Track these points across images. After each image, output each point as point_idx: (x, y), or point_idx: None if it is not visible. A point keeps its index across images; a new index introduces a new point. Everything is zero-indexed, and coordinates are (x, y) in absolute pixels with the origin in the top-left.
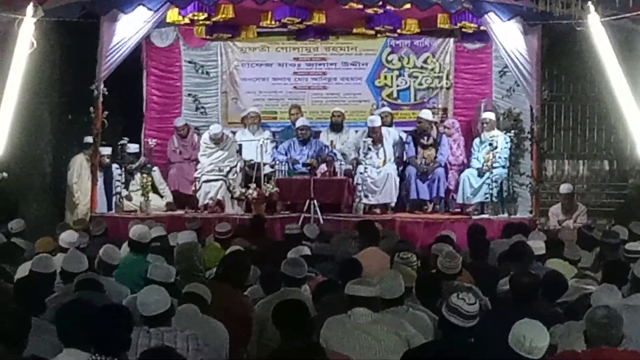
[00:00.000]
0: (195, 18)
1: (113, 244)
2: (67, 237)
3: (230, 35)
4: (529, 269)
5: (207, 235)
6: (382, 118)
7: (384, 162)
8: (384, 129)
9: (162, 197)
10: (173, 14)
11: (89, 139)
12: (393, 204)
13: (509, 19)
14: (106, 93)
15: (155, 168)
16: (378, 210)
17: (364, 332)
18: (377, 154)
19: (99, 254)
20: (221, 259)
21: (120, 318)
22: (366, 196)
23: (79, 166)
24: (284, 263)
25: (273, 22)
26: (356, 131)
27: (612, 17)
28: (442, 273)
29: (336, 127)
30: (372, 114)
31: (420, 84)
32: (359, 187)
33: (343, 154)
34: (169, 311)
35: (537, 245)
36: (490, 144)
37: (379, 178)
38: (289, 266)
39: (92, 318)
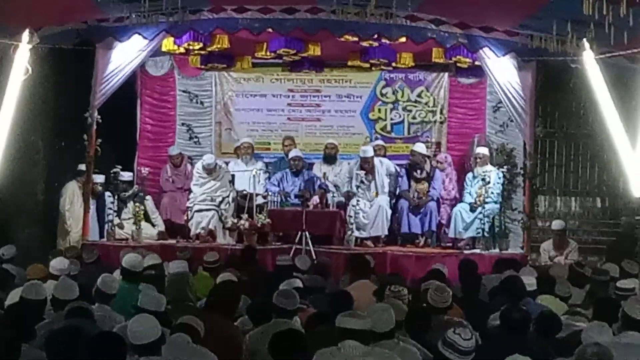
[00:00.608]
0: (191, 47)
1: (105, 272)
2: (58, 264)
3: (225, 66)
4: (520, 303)
5: (198, 265)
6: (375, 151)
7: (377, 194)
8: (376, 160)
9: (154, 226)
10: (168, 43)
11: (82, 167)
12: (384, 236)
13: (503, 55)
14: (100, 121)
15: (148, 197)
16: (370, 243)
17: None
18: (369, 186)
19: (96, 283)
20: (211, 289)
21: (114, 345)
22: (358, 229)
23: (72, 193)
24: (276, 294)
25: (268, 53)
26: (349, 163)
27: (607, 55)
28: (432, 307)
29: (329, 159)
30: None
31: (414, 117)
32: (351, 220)
33: (336, 186)
34: (159, 340)
35: (529, 281)
36: (483, 179)
37: (370, 211)
38: (281, 297)
39: (82, 345)
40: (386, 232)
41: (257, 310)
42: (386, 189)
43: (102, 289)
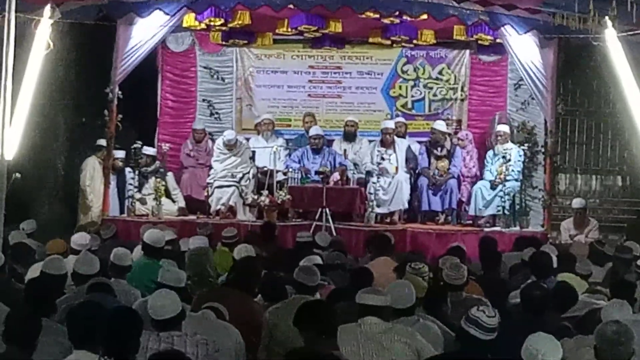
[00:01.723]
0: (212, 23)
1: (123, 247)
2: (79, 239)
3: (246, 42)
4: (541, 281)
5: (218, 241)
6: (396, 128)
7: (397, 169)
8: (396, 140)
9: (174, 202)
10: (189, 19)
11: (101, 142)
12: (404, 212)
13: (525, 32)
14: (121, 96)
15: (169, 173)
16: (390, 220)
17: (374, 341)
18: (389, 160)
19: (110, 257)
20: (232, 265)
21: (130, 320)
22: (378, 206)
23: (92, 169)
24: (297, 270)
25: (289, 30)
26: (369, 141)
27: (629, 33)
28: (448, 284)
29: (349, 136)
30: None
31: (435, 95)
32: (371, 197)
33: (355, 164)
34: (179, 315)
35: None
36: (504, 157)
37: (389, 188)
38: (302, 273)
39: (102, 320)
40: (406, 206)
41: (269, 286)
42: (405, 168)
43: (115, 262)
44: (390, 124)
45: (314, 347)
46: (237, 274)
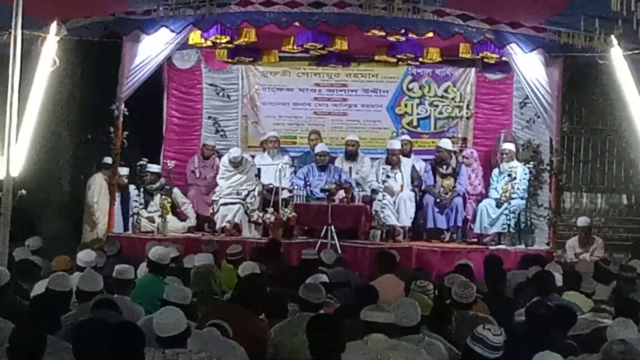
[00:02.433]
0: (218, 41)
1: (127, 264)
2: (85, 256)
3: (251, 59)
4: (546, 299)
5: (223, 258)
6: (401, 146)
7: (402, 187)
8: (401, 158)
9: (181, 219)
10: (195, 36)
11: (107, 159)
12: (408, 229)
13: (531, 51)
14: (126, 113)
15: (175, 189)
16: (395, 238)
17: (381, 359)
18: (394, 178)
19: (112, 273)
20: (237, 282)
21: (131, 335)
22: (383, 224)
23: (99, 186)
24: (302, 288)
25: (295, 47)
26: (372, 159)
27: (635, 52)
28: (456, 302)
29: (350, 155)
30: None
31: (440, 112)
32: (377, 215)
33: (357, 183)
34: (184, 333)
35: (554, 277)
36: (509, 175)
37: (395, 205)
38: (307, 291)
39: (107, 337)
40: (410, 224)
41: (272, 304)
42: (410, 186)
43: (118, 277)
44: (397, 145)
45: None
46: (242, 290)
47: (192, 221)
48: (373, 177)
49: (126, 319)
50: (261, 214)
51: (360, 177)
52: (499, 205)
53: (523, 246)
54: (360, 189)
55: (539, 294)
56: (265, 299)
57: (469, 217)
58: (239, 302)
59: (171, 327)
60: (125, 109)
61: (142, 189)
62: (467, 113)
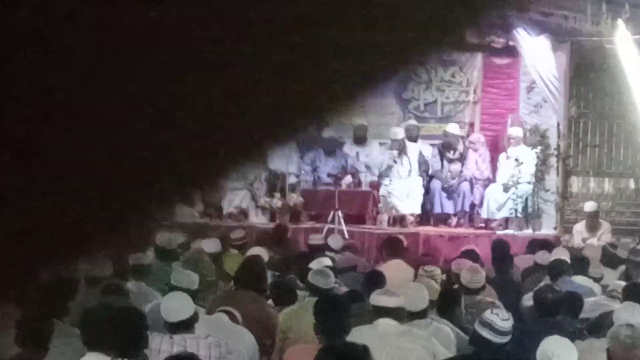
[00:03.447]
0: None
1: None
2: None
3: None
4: (555, 283)
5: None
6: (408, 131)
7: (409, 173)
8: (408, 144)
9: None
10: None
11: None
12: (417, 216)
13: (537, 35)
14: None
15: None
16: (403, 223)
17: (389, 343)
18: (401, 163)
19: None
20: (238, 268)
21: (130, 318)
22: (390, 209)
23: None
24: (311, 273)
25: None
26: (380, 144)
27: None
28: (465, 287)
29: (360, 140)
30: (398, 127)
31: (447, 97)
32: (384, 200)
33: (367, 167)
34: (192, 318)
35: None
36: (516, 160)
37: (403, 190)
38: (316, 276)
39: (115, 322)
40: (419, 211)
41: (278, 287)
42: (417, 171)
43: (135, 263)
44: (400, 135)
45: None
46: (243, 274)
47: (198, 206)
48: (380, 162)
49: (135, 304)
50: (268, 200)
51: (370, 160)
52: (506, 190)
53: (530, 231)
54: (370, 173)
55: (552, 278)
56: (265, 279)
57: (476, 202)
58: (242, 286)
59: (179, 313)
60: None
61: None
62: (474, 98)
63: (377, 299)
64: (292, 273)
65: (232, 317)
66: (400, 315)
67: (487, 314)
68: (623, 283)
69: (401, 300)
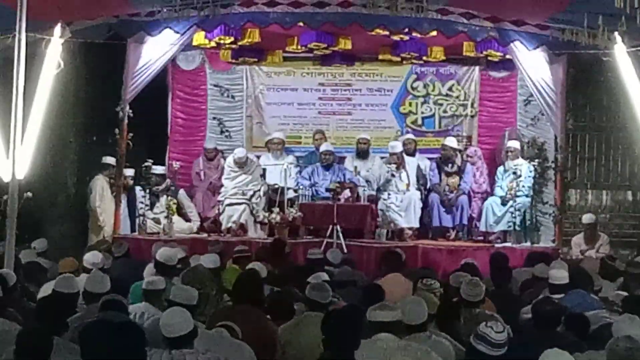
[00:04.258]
0: (222, 42)
1: (135, 266)
2: (91, 257)
3: (256, 60)
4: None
5: (229, 259)
6: (406, 145)
7: (408, 186)
8: (406, 158)
9: (187, 220)
10: (199, 37)
11: (107, 160)
12: (415, 229)
13: (534, 48)
14: (131, 115)
15: (180, 190)
16: (401, 237)
17: (389, 358)
18: (400, 177)
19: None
20: (234, 283)
21: (129, 334)
22: (389, 223)
23: (101, 189)
24: (308, 288)
25: (299, 47)
26: (381, 157)
27: (639, 48)
28: (464, 300)
29: (362, 154)
30: (396, 140)
31: (445, 111)
32: (383, 214)
33: (367, 181)
34: (191, 333)
35: (561, 274)
36: (514, 173)
37: (402, 204)
38: (314, 291)
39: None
40: (417, 225)
41: (276, 302)
42: (416, 185)
43: (148, 288)
44: (398, 149)
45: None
46: (240, 288)
47: (196, 221)
48: (379, 175)
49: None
50: (267, 214)
51: (370, 174)
52: (504, 203)
53: (529, 244)
54: (369, 188)
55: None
56: (262, 293)
57: (475, 215)
58: (239, 300)
59: (178, 328)
60: (130, 111)
61: (147, 191)
62: (471, 111)
63: (374, 314)
64: (290, 287)
65: (232, 332)
66: (398, 328)
67: (482, 327)
68: (622, 294)
69: (398, 314)
